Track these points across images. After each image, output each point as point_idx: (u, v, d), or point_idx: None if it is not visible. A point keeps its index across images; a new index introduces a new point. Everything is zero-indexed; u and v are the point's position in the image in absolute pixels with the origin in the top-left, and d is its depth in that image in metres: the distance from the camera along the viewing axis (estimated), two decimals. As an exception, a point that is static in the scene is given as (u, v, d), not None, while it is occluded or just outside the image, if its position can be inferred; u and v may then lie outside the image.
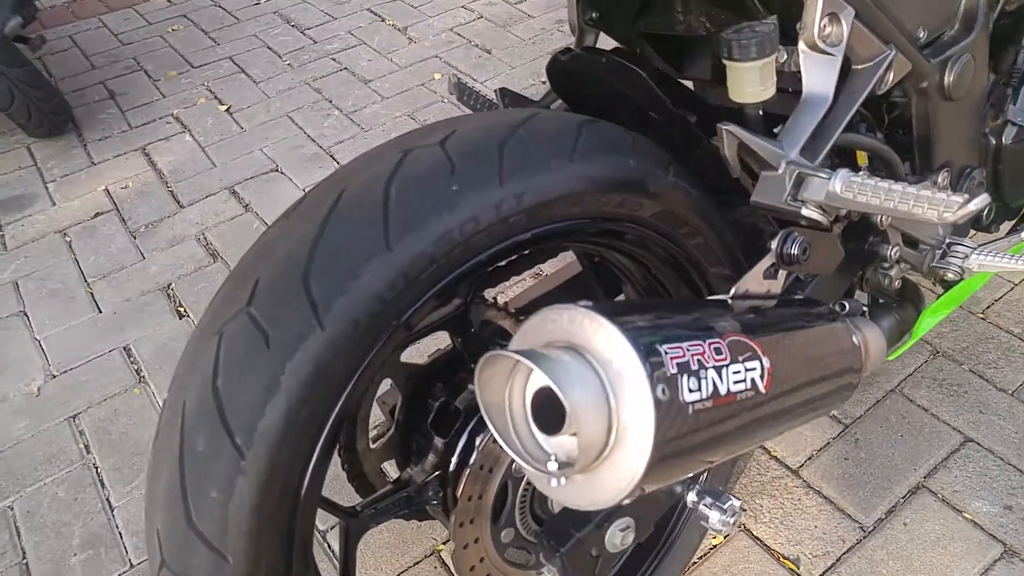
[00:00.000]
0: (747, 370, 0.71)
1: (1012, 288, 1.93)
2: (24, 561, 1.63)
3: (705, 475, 1.32)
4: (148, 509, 0.86)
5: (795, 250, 0.90)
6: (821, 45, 0.96)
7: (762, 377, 0.73)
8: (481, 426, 1.06)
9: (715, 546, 1.51)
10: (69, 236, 2.53)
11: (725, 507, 1.05)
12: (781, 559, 1.48)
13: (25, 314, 2.24)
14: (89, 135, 2.99)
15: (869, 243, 1.19)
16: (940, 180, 1.24)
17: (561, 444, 0.66)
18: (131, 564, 1.61)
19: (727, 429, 0.70)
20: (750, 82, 0.92)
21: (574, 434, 0.63)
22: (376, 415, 1.25)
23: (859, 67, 1.03)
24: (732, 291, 0.85)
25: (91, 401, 1.97)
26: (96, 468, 1.82)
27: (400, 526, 1.58)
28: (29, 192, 2.74)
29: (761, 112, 0.99)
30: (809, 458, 1.64)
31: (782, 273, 0.91)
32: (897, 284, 1.29)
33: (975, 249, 1.25)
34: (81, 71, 3.38)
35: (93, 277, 2.37)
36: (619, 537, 1.02)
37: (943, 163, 1.25)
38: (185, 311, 2.19)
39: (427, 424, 1.10)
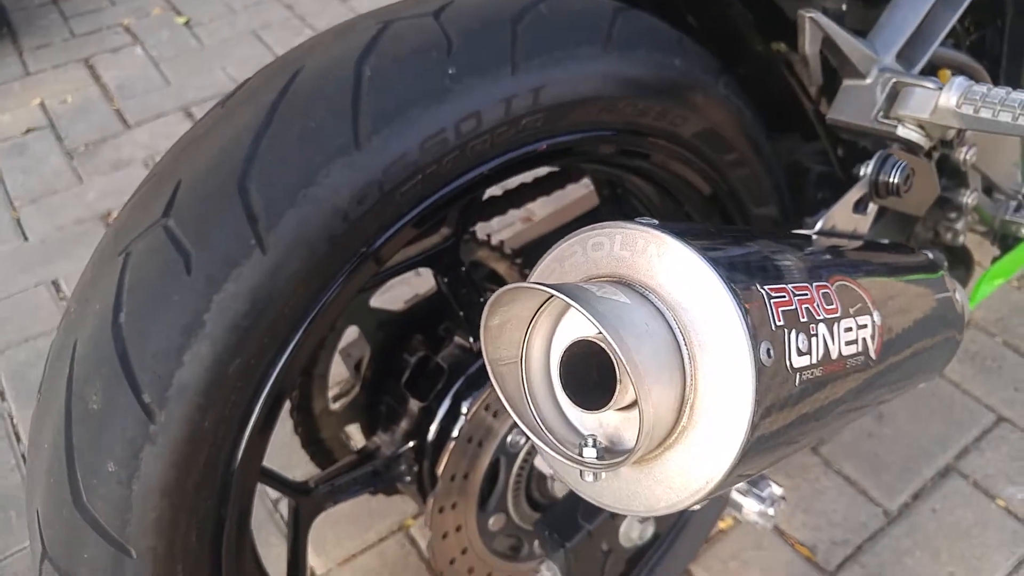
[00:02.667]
0: (859, 327, 0.51)
1: (1051, 255, 1.76)
2: (-76, 521, 1.41)
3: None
4: (29, 484, 0.64)
5: (896, 178, 0.69)
6: None
7: (873, 338, 0.53)
8: (469, 390, 0.85)
9: (723, 530, 1.34)
10: (-4, 153, 2.26)
11: (764, 495, 0.86)
12: (796, 545, 1.32)
13: (-58, 239, 1.98)
14: (26, 42, 2.68)
15: (944, 186, 0.99)
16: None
17: (602, 424, 0.45)
18: (50, 529, 1.39)
19: (828, 408, 0.50)
20: None
21: (627, 408, 0.43)
22: (338, 371, 1.04)
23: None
24: (818, 225, 0.64)
25: (10, 342, 1.73)
26: (11, 419, 1.59)
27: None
28: (-46, 103, 2.44)
29: (845, 7, 0.78)
30: (827, 433, 1.47)
31: (872, 208, 0.70)
32: (962, 240, 1.10)
33: None
34: (21, -28, 3.06)
35: (20, 201, 2.10)
36: (637, 530, 0.82)
37: None
38: (127, 243, 1.94)
39: (401, 384, 0.89)
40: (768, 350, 0.41)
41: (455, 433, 0.80)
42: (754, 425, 0.40)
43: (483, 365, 0.86)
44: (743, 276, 0.42)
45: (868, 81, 0.73)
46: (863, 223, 0.69)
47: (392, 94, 0.61)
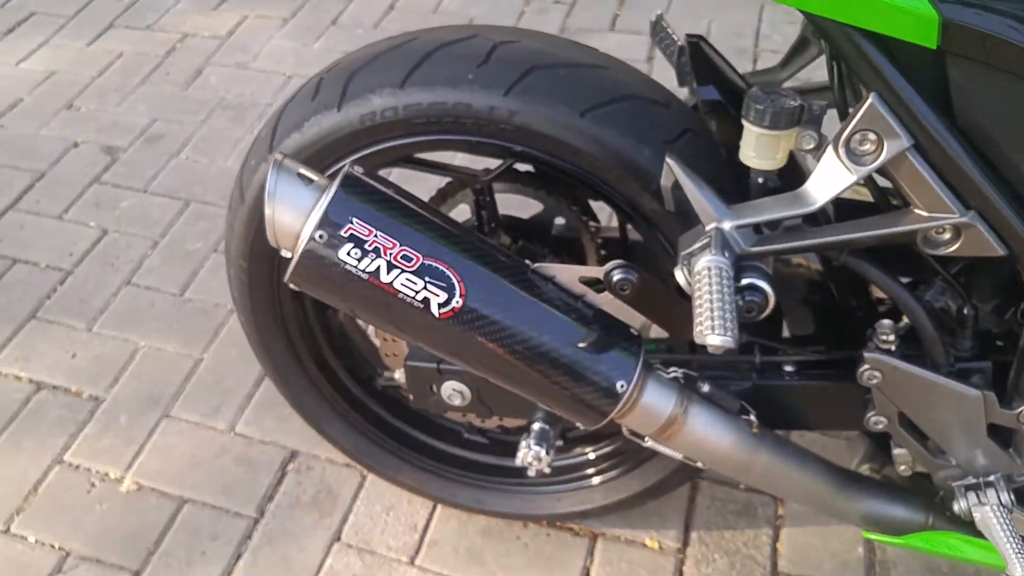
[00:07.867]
0: (426, 288, 0.89)
1: None
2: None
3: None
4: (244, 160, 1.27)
5: (617, 278, 0.95)
6: (842, 155, 0.84)
7: (443, 305, 0.90)
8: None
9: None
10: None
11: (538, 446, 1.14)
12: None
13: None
14: None
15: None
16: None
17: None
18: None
19: (375, 304, 0.92)
20: (750, 145, 0.91)
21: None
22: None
23: (920, 213, 0.85)
24: (537, 264, 0.96)
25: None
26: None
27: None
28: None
29: (761, 180, 0.94)
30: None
31: (606, 294, 0.96)
32: (905, 472, 1.12)
33: (997, 504, 1.01)
34: None
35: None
36: (449, 393, 1.19)
37: None
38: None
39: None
40: (321, 235, 0.87)
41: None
42: (303, 261, 0.88)
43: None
44: (352, 205, 0.88)
45: (706, 229, 0.92)
46: (588, 293, 0.97)
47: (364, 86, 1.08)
